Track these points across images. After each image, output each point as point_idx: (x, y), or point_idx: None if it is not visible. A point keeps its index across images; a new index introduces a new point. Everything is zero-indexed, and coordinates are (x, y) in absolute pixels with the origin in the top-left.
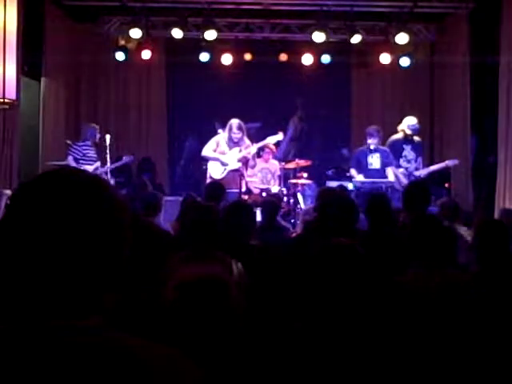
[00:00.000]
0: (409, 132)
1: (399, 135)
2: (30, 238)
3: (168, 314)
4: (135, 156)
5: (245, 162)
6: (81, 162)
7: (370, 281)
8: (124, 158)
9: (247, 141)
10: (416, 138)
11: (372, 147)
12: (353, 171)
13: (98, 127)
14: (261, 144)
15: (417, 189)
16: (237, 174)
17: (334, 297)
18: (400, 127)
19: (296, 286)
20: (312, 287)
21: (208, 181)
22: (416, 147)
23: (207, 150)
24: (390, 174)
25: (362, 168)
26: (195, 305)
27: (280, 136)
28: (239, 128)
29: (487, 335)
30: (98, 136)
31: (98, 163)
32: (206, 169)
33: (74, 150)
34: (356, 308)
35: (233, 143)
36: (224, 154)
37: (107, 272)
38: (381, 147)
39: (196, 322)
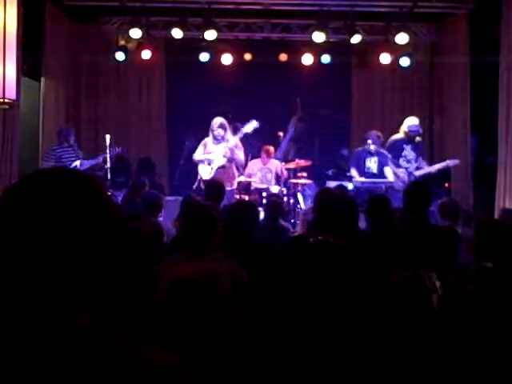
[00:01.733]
0: (409, 133)
1: (400, 135)
2: (20, 236)
3: (161, 311)
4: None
5: (231, 158)
6: (58, 165)
7: (360, 278)
8: (99, 157)
9: (232, 138)
10: (417, 138)
11: (372, 148)
12: (353, 171)
13: (71, 128)
14: (240, 135)
15: (418, 189)
16: (228, 172)
17: (319, 293)
18: (401, 128)
19: (291, 286)
20: (300, 286)
21: (196, 184)
22: (416, 147)
23: (197, 155)
24: (389, 173)
25: (360, 170)
26: (187, 300)
27: (255, 123)
28: (220, 126)
29: (487, 335)
30: (72, 137)
31: (77, 162)
32: None
33: (48, 156)
34: (344, 305)
35: (216, 141)
36: (210, 153)
37: (99, 269)
38: (380, 150)
39: (188, 317)
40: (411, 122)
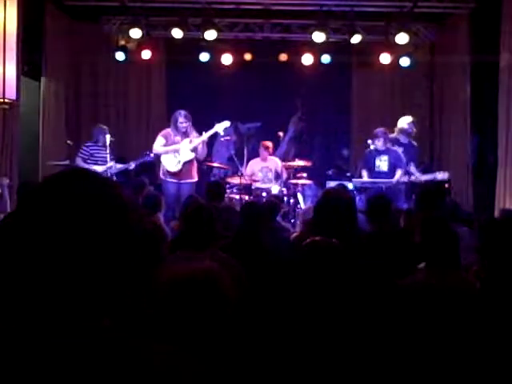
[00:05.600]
0: (402, 133)
1: (393, 135)
2: (41, 237)
3: (159, 309)
4: (142, 158)
5: (197, 152)
6: (88, 161)
7: (356, 278)
8: (130, 163)
9: (195, 132)
10: (409, 141)
11: (379, 148)
12: (364, 173)
13: (106, 128)
14: (210, 132)
15: (432, 192)
16: (194, 165)
17: (315, 293)
18: (396, 127)
19: (289, 286)
20: (297, 286)
21: (162, 175)
22: (408, 152)
23: (157, 146)
24: (399, 175)
25: (371, 170)
26: (185, 300)
27: (227, 123)
28: (185, 117)
29: (493, 337)
30: (107, 137)
31: (111, 164)
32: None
33: (82, 151)
34: (339, 305)
35: (181, 134)
36: (177, 143)
37: (118, 273)
38: (391, 148)
39: (187, 316)
40: (407, 120)
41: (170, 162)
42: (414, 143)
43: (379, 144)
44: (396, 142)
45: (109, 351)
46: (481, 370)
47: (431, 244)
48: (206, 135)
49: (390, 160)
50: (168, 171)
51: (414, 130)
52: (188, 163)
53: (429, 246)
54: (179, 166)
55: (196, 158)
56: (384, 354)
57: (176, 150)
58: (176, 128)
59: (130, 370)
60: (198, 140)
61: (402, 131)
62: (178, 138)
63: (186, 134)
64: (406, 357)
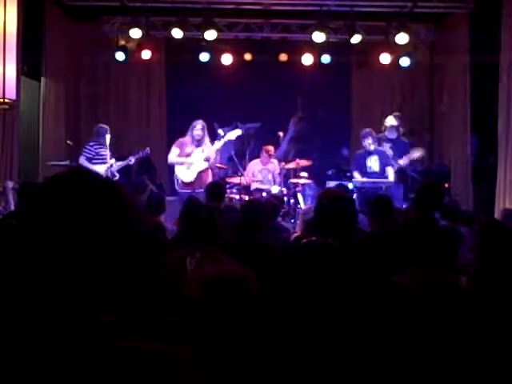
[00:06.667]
0: (391, 130)
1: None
2: (44, 237)
3: (193, 311)
4: (141, 153)
5: (211, 162)
6: (93, 161)
7: (355, 279)
8: (129, 158)
9: (208, 142)
10: (397, 136)
11: (371, 148)
12: (356, 174)
13: (107, 128)
14: (222, 141)
15: (429, 191)
16: (208, 175)
17: (312, 294)
18: (384, 124)
19: (287, 286)
20: (294, 286)
21: (178, 187)
22: (397, 146)
23: (172, 156)
24: (391, 173)
25: (362, 171)
26: (222, 301)
27: (239, 131)
28: (201, 128)
29: (488, 337)
30: (107, 136)
31: (113, 161)
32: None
33: (86, 151)
34: (336, 306)
35: (195, 143)
36: (190, 155)
37: (120, 272)
38: (378, 148)
39: (223, 317)
40: (391, 121)
41: (184, 173)
42: (403, 138)
43: (369, 143)
44: (383, 139)
45: (108, 348)
46: (473, 369)
47: (417, 242)
48: (218, 144)
49: (381, 160)
50: (183, 182)
51: (399, 123)
52: (202, 172)
53: (415, 244)
54: (194, 176)
55: (209, 166)
56: (381, 354)
57: (189, 164)
58: (192, 136)
59: (126, 367)
60: (212, 149)
61: (392, 127)
62: (190, 149)
63: (199, 143)
64: (403, 356)
